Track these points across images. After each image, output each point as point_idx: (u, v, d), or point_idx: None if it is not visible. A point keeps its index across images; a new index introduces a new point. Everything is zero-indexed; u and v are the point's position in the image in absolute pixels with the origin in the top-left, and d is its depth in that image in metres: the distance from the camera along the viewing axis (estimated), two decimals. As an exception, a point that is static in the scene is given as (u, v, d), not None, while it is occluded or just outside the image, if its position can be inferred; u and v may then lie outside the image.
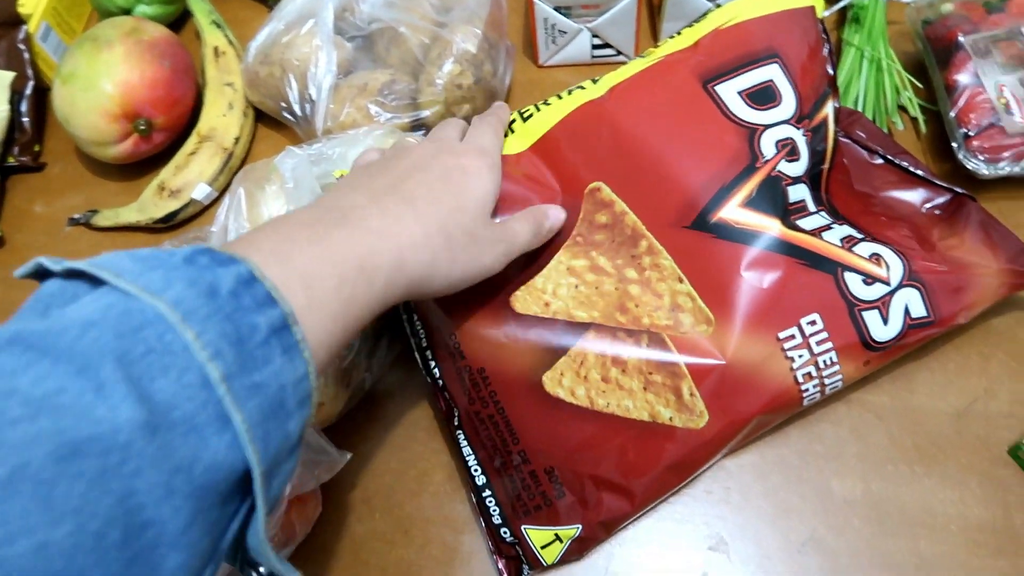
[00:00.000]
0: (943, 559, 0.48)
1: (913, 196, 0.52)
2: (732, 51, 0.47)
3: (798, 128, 0.47)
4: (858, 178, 0.52)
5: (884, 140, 0.54)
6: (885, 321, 0.44)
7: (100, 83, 0.59)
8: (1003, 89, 0.55)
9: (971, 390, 0.52)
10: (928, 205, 0.52)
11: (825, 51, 0.49)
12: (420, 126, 0.60)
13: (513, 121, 0.50)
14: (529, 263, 0.46)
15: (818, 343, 0.43)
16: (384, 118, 0.59)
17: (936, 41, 0.59)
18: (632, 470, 0.44)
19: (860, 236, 0.46)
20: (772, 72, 0.47)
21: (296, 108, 0.61)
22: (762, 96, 0.47)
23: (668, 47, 0.49)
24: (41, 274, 0.29)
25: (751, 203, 0.44)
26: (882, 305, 0.44)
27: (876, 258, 0.45)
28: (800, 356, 0.43)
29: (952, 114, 0.56)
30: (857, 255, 0.45)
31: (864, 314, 0.44)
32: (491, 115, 0.49)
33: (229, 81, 0.65)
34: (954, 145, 0.56)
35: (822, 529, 0.48)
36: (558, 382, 0.44)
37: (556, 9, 0.62)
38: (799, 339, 0.43)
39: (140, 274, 0.27)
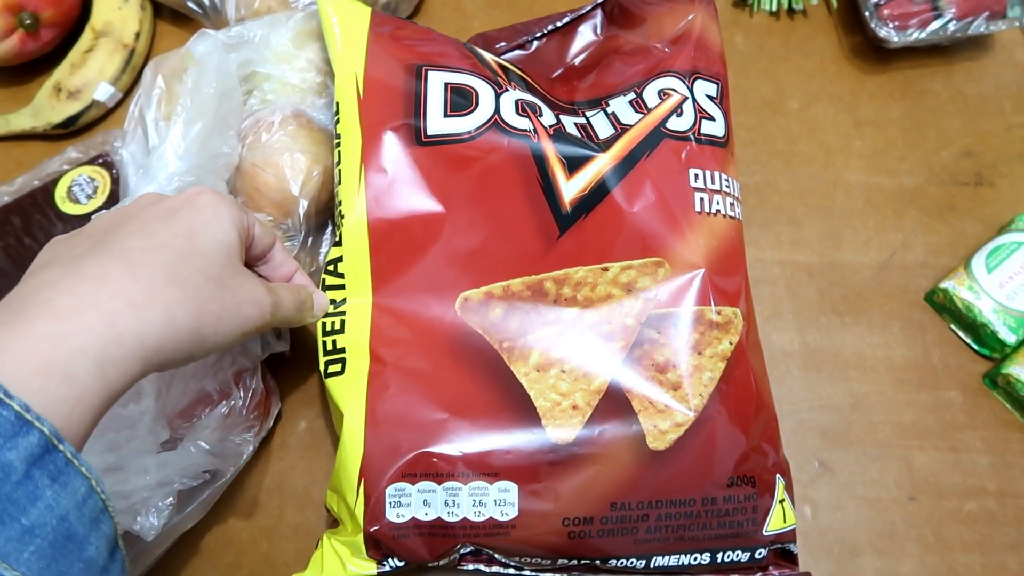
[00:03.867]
0: (874, 397, 0.52)
1: (584, 37, 0.54)
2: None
3: (505, 89, 0.46)
4: (544, 70, 0.53)
5: (517, 31, 0.55)
6: (712, 118, 0.47)
7: (-27, -28, 0.53)
8: (910, -42, 0.57)
9: (889, 244, 0.56)
10: (599, 33, 0.54)
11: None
12: (341, 12, 0.57)
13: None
14: (518, 416, 0.41)
15: (711, 180, 0.45)
16: (304, 1, 0.56)
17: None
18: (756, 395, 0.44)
19: (633, 95, 0.47)
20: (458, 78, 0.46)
21: (203, -4, 0.57)
22: (459, 103, 0.45)
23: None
24: None
25: (570, 167, 0.44)
26: (699, 112, 0.47)
27: (663, 93, 0.47)
28: (718, 201, 0.45)
29: (862, -14, 0.58)
30: (654, 107, 0.46)
31: (703, 131, 0.46)
32: None
33: (121, -29, 0.60)
34: (866, 15, 0.58)
35: (767, 380, 0.52)
36: (659, 437, 0.41)
37: None
38: (705, 195, 0.45)
39: None
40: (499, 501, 0.40)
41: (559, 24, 0.54)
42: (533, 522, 0.40)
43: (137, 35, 0.59)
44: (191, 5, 0.58)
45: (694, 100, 0.47)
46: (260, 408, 0.44)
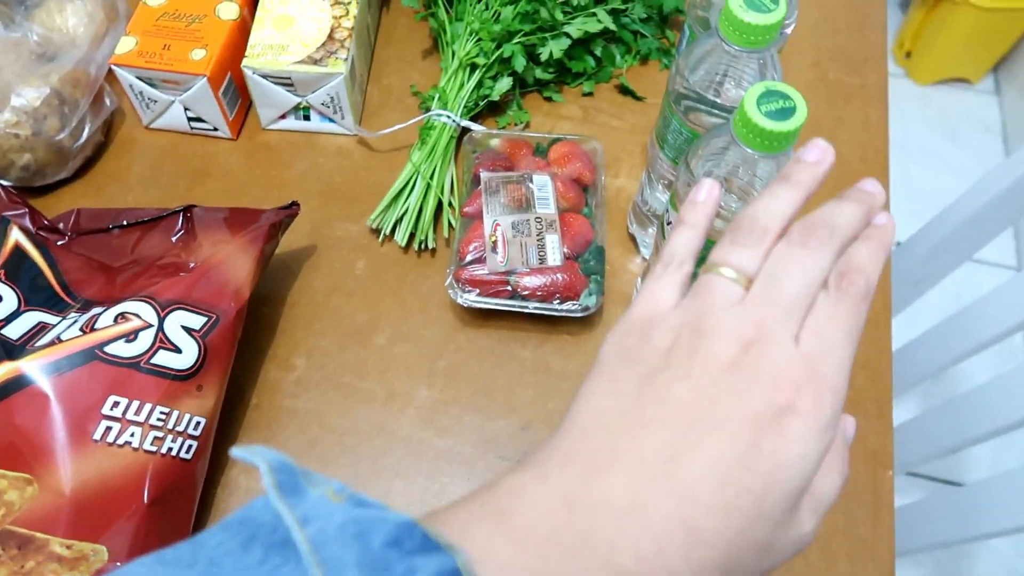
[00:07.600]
0: None
1: (159, 236, 0.56)
2: None
3: None
4: (111, 256, 0.55)
5: (112, 214, 0.57)
6: (179, 350, 0.48)
7: None
8: (497, 228, 0.59)
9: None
10: (175, 236, 0.55)
11: None
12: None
13: None
14: None
15: (136, 412, 0.46)
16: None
17: (475, 173, 0.63)
18: None
19: (100, 311, 0.49)
20: None
21: None
22: None
23: None
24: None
25: None
26: (160, 342, 0.48)
27: (122, 317, 0.48)
28: (132, 434, 0.46)
29: (455, 245, 0.60)
30: (102, 329, 0.48)
31: (154, 361, 0.47)
32: (858, 273, 0.30)
33: None
34: (448, 271, 0.59)
35: None
36: None
37: (140, 79, 0.64)
38: (117, 424, 0.46)
39: None
40: None
41: (144, 219, 0.57)
42: None
43: None
44: None
45: (161, 329, 0.49)
46: None
